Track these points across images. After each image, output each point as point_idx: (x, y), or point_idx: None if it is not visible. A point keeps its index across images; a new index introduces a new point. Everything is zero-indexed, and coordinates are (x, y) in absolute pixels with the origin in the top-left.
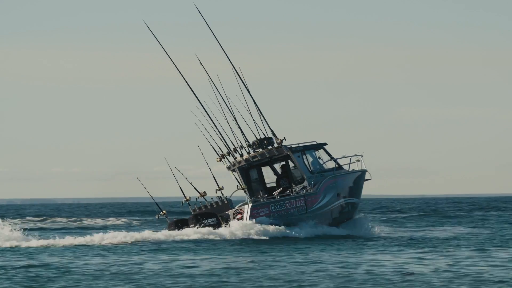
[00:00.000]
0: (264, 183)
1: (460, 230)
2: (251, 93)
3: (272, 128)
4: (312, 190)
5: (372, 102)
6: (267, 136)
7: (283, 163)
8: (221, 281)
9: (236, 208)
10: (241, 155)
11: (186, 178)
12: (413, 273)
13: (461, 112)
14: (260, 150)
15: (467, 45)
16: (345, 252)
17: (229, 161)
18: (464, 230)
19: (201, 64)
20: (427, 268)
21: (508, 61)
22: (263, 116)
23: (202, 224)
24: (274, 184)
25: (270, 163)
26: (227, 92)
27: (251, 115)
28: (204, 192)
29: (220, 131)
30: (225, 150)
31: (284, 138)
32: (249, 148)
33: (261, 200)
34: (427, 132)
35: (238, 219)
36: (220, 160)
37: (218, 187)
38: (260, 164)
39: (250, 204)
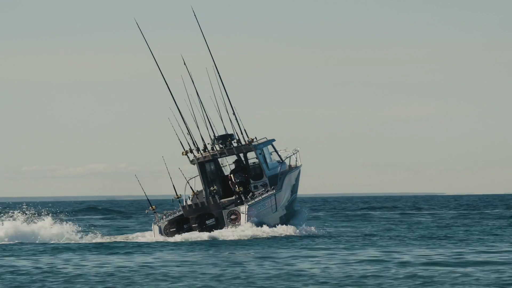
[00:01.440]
0: (220, 177)
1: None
2: (227, 92)
3: (245, 127)
4: (278, 188)
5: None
6: (230, 133)
7: (236, 158)
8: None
9: (230, 209)
10: (205, 150)
11: (185, 178)
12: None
13: (333, 110)
14: (226, 146)
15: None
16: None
17: (194, 156)
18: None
19: (184, 64)
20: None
21: (366, 61)
22: (235, 115)
23: (205, 225)
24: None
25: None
26: (211, 91)
27: (219, 113)
28: (197, 191)
29: (188, 127)
30: (193, 146)
31: (256, 137)
32: (214, 144)
33: (250, 200)
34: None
35: (232, 220)
36: (186, 154)
37: (213, 186)
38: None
39: (247, 206)
